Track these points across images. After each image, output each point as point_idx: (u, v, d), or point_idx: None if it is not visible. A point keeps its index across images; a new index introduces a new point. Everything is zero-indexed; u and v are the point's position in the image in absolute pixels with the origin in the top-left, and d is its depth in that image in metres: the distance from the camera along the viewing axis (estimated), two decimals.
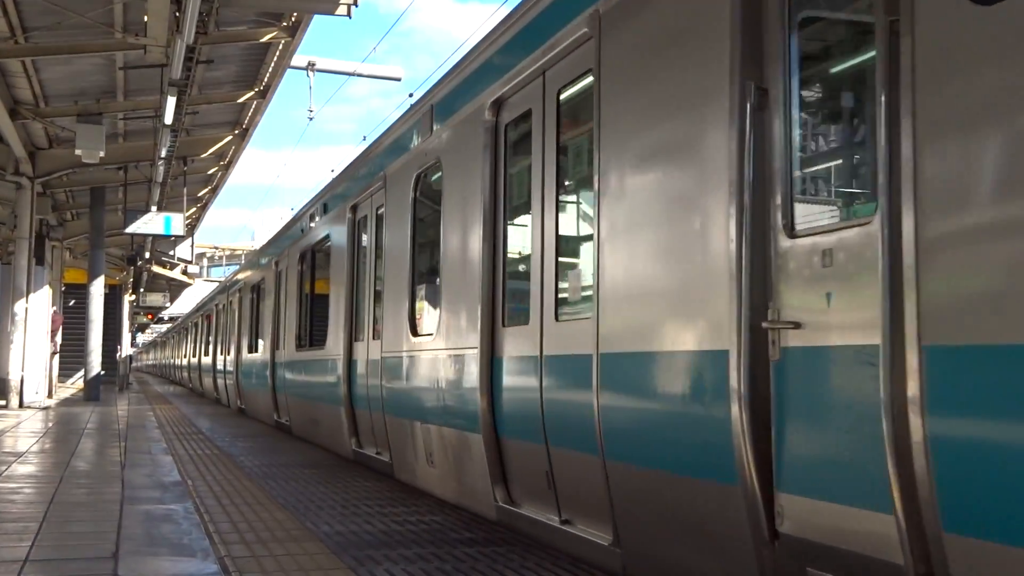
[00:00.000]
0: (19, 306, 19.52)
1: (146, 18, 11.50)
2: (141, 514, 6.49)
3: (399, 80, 22.80)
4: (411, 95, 20.07)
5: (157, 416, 17.81)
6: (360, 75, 21.88)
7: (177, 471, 9.01)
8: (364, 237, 10.05)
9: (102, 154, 16.22)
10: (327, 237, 11.80)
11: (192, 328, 35.50)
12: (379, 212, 9.31)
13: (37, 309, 21.16)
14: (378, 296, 9.17)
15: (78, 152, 16.13)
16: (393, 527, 6.22)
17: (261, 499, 7.40)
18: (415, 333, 7.88)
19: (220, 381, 23.96)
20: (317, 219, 12.61)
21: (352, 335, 10.10)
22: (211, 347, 26.57)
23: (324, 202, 12.22)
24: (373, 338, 9.18)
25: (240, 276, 21.98)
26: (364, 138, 29.46)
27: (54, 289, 25.33)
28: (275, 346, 15.13)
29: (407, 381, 8.01)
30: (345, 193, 10.92)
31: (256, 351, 17.56)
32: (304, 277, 13.64)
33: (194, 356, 33.08)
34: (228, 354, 22.02)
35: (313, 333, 12.74)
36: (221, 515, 6.58)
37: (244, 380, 19.25)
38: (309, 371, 12.36)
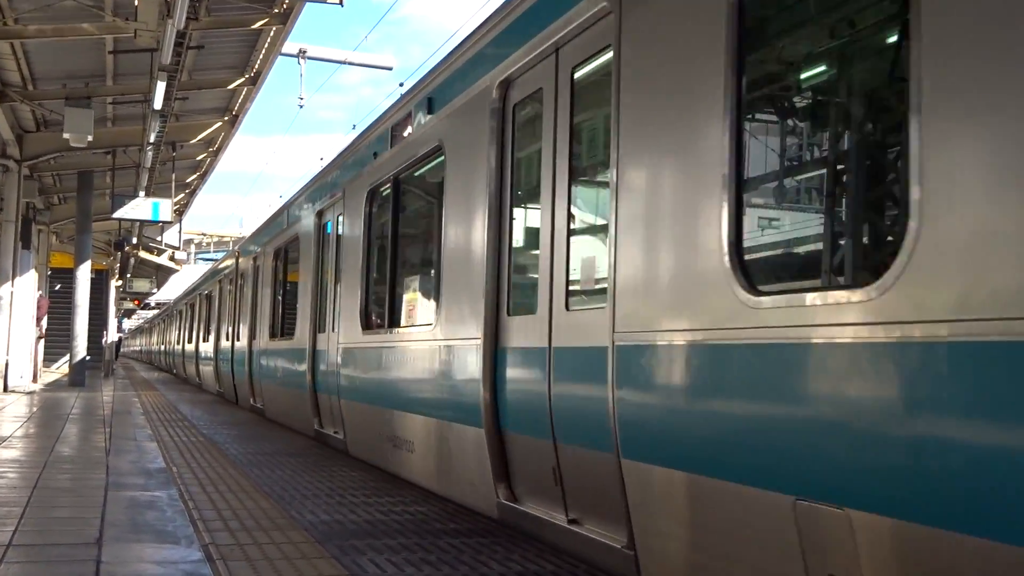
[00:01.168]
0: (4, 290, 19.42)
1: (136, 2, 11.43)
2: (125, 500, 6.47)
3: (391, 69, 22.76)
4: (402, 84, 20.04)
5: (142, 402, 17.76)
6: (351, 63, 21.82)
7: (162, 458, 8.99)
8: (539, 129, 5.59)
9: (90, 138, 16.14)
10: (435, 151, 7.36)
11: (188, 310, 30.41)
12: (596, 74, 5.15)
13: (23, 293, 21.07)
14: (590, 232, 5.32)
15: (66, 136, 16.03)
16: (378, 517, 6.22)
17: (246, 487, 7.39)
18: (749, 287, 3.66)
19: (225, 373, 19.66)
20: (410, 129, 8.10)
21: (499, 306, 5.98)
22: (212, 332, 22.19)
23: (428, 96, 7.58)
24: (569, 307, 5.08)
25: (255, 241, 17.34)
26: (354, 127, 29.37)
27: (40, 273, 25.23)
28: (317, 328, 11.10)
29: (758, 399, 3.64)
30: (486, 61, 6.40)
31: (284, 336, 13.31)
32: (374, 225, 9.26)
33: (189, 342, 28.66)
34: (238, 340, 17.67)
35: (395, 308, 8.51)
36: (206, 502, 6.57)
37: (264, 374, 14.77)
38: (389, 366, 8.20)
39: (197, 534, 5.44)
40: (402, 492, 7.30)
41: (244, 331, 16.83)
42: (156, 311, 58.75)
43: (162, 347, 46.33)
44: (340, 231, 10.30)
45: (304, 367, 11.36)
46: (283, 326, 13.68)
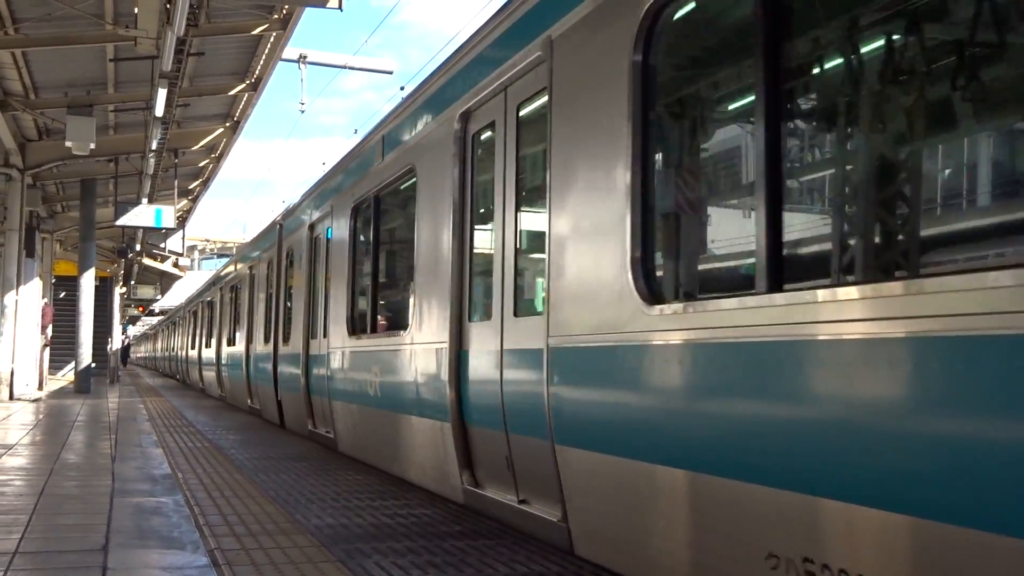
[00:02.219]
0: (9, 298, 19.48)
1: (136, 9, 11.46)
2: (131, 507, 6.49)
3: (391, 73, 22.89)
4: (403, 88, 20.08)
5: (148, 409, 17.78)
6: (352, 68, 21.86)
7: (167, 464, 9.01)
8: None
9: (92, 146, 16.20)
10: None
11: (205, 309, 26.38)
12: None
13: (27, 301, 21.13)
14: None
15: (68, 144, 16.09)
16: (383, 520, 6.23)
17: (251, 492, 7.40)
18: None
19: (262, 386, 15.48)
20: None
21: None
22: (242, 333, 17.96)
23: None
24: None
25: (315, 203, 12.05)
26: (356, 131, 29.47)
27: (44, 281, 25.30)
28: (466, 314, 6.62)
29: None
30: None
31: (377, 333, 9.00)
32: (656, 92, 4.50)
33: (207, 347, 24.75)
34: (284, 343, 13.43)
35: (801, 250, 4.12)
36: (211, 508, 6.58)
37: (335, 391, 10.19)
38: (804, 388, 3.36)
39: (203, 539, 5.45)
40: (407, 495, 7.31)
41: (295, 330, 12.46)
42: (163, 317, 58.57)
43: (170, 353, 44.46)
44: (536, 135, 5.76)
45: (437, 381, 6.93)
46: (373, 317, 9.24)
